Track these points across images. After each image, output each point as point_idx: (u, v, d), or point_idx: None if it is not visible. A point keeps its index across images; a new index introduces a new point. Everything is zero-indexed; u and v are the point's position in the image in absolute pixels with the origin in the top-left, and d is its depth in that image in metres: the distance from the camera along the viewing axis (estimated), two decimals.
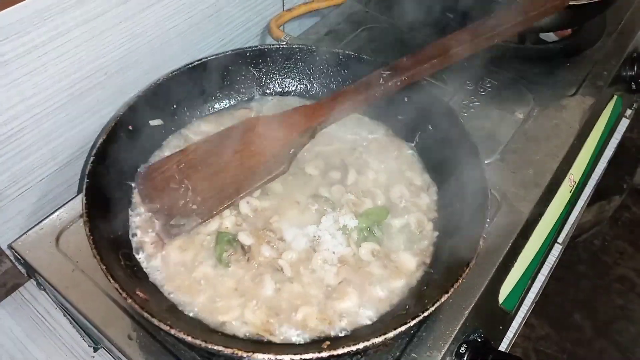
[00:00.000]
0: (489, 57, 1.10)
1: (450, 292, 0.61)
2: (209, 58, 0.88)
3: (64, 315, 0.88)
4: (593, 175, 1.20)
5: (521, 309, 0.93)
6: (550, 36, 1.22)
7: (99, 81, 0.90)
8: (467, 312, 0.74)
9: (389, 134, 0.91)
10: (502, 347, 0.87)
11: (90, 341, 0.86)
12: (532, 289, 0.97)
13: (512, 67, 1.11)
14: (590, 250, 2.32)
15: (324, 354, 0.56)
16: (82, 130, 0.92)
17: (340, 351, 0.56)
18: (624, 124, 1.32)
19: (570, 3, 0.95)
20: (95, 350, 0.88)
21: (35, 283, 0.91)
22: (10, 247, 0.80)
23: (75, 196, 0.87)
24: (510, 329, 0.88)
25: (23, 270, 0.93)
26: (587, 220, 2.28)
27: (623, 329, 2.07)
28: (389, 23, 1.19)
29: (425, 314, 0.59)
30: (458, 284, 0.62)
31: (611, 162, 1.27)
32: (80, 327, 0.83)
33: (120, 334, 0.70)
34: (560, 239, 1.10)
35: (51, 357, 0.86)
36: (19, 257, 0.78)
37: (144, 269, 0.72)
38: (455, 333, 0.72)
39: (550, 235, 0.95)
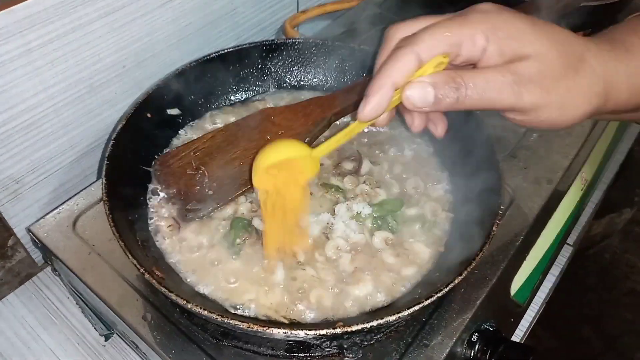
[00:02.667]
0: None
1: (464, 275, 0.62)
2: (226, 50, 0.90)
3: (76, 304, 0.89)
4: (604, 179, 1.21)
5: (532, 305, 0.93)
6: None
7: (117, 74, 0.92)
8: (479, 302, 0.75)
9: (403, 126, 0.92)
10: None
11: (103, 328, 0.87)
12: (542, 288, 0.97)
13: None
14: (599, 264, 2.30)
15: (338, 330, 0.56)
16: (100, 122, 0.94)
17: (354, 327, 0.57)
18: (635, 129, 1.32)
19: (583, 4, 0.96)
20: (107, 339, 0.88)
21: (49, 270, 0.92)
22: (28, 230, 0.81)
23: (93, 183, 0.89)
24: (521, 324, 0.88)
25: (37, 260, 0.94)
26: (597, 233, 2.26)
27: (632, 343, 2.05)
28: None
29: (440, 294, 0.60)
30: (472, 266, 0.62)
31: (621, 174, 1.27)
32: (94, 312, 0.84)
33: (134, 315, 0.71)
34: (570, 240, 1.10)
35: (63, 346, 0.87)
36: (37, 241, 0.79)
37: (160, 251, 0.73)
38: (466, 322, 0.72)
39: (561, 232, 0.95)
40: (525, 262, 0.84)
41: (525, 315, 0.89)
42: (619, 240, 2.38)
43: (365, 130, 0.90)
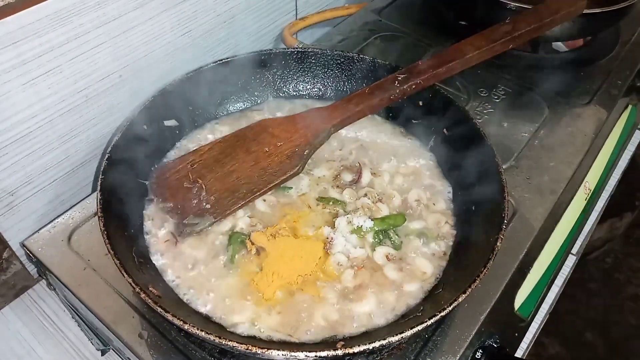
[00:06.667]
0: (503, 65, 1.11)
1: (467, 292, 0.60)
2: (224, 60, 0.89)
3: (72, 318, 0.88)
4: (607, 187, 1.19)
5: (536, 318, 0.91)
6: (562, 47, 1.22)
7: (113, 84, 0.90)
8: (482, 317, 0.73)
9: (404, 137, 0.91)
10: (517, 355, 0.85)
11: (99, 343, 0.85)
12: (546, 300, 0.96)
13: (525, 75, 1.11)
14: (601, 268, 2.29)
15: (339, 352, 0.55)
16: (96, 132, 0.92)
17: (356, 349, 0.55)
18: (638, 135, 1.31)
19: (585, 11, 0.95)
20: (103, 353, 0.87)
21: (45, 283, 0.91)
22: (22, 244, 0.80)
23: (88, 196, 0.87)
24: (525, 336, 0.87)
25: (32, 272, 0.92)
26: (598, 237, 2.25)
27: (637, 348, 2.03)
28: (402, 31, 1.19)
29: (443, 313, 0.58)
30: (476, 284, 0.61)
31: (623, 178, 1.25)
32: (90, 328, 0.82)
33: (130, 333, 0.69)
34: (574, 250, 1.08)
35: None
36: (31, 255, 0.78)
37: (157, 267, 0.72)
38: (470, 338, 0.71)
39: (565, 242, 0.94)
40: (529, 275, 0.83)
41: (529, 328, 0.87)
42: (621, 244, 2.37)
43: (367, 139, 0.89)
